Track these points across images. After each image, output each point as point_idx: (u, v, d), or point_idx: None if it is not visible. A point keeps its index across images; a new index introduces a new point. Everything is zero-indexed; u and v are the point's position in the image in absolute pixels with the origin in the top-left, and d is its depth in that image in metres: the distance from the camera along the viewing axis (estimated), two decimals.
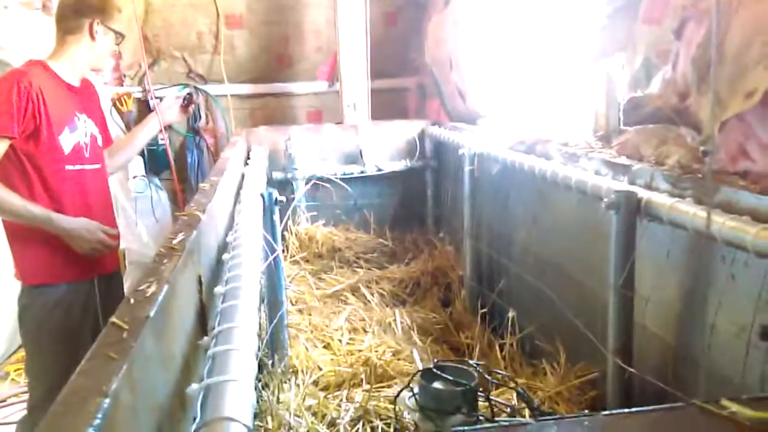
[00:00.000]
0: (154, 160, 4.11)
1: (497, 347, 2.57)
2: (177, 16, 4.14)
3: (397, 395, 1.01)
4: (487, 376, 0.99)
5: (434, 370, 0.99)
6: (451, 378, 0.96)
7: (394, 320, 2.83)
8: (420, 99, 4.57)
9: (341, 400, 2.09)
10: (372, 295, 3.15)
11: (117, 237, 2.69)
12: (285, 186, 3.71)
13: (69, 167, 2.52)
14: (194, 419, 0.79)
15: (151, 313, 0.88)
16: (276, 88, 4.39)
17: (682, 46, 1.75)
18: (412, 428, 1.01)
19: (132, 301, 0.92)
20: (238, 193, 2.31)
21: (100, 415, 0.63)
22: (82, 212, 2.53)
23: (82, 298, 2.57)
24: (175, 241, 1.23)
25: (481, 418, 0.96)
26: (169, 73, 4.22)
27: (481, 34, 3.34)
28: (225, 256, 1.51)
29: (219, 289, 1.26)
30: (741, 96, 1.53)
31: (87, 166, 2.61)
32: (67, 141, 2.50)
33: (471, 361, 1.01)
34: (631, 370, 1.71)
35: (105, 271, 2.68)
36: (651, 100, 1.89)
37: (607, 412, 0.75)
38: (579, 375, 2.10)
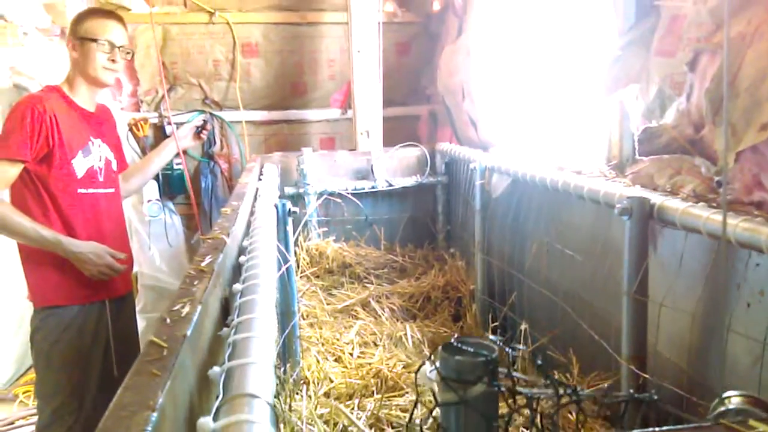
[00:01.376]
0: (169, 184, 4.17)
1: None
2: (194, 44, 4.23)
3: (419, 369, 1.02)
4: (507, 349, 0.99)
5: (455, 344, 0.99)
6: (471, 350, 0.97)
7: (405, 334, 2.82)
8: (432, 127, 4.62)
9: (353, 409, 2.10)
10: (382, 310, 3.14)
11: (127, 261, 2.71)
12: (297, 201, 3.74)
13: (82, 191, 2.56)
14: (216, 397, 0.79)
15: (188, 332, 0.90)
16: (290, 115, 4.46)
17: (696, 78, 1.79)
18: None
19: (168, 320, 0.95)
20: (252, 206, 2.33)
21: (149, 428, 0.65)
22: (94, 235, 2.57)
23: (93, 319, 2.60)
24: (203, 264, 1.26)
25: (502, 388, 0.97)
26: (185, 99, 4.29)
27: (493, 64, 3.39)
28: (242, 259, 1.52)
29: (237, 287, 1.25)
30: (756, 128, 1.56)
31: (100, 190, 2.65)
32: (80, 165, 2.55)
33: (491, 337, 1.02)
34: (645, 375, 1.71)
35: (117, 294, 2.71)
36: (665, 131, 1.92)
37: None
38: (592, 384, 2.09)
